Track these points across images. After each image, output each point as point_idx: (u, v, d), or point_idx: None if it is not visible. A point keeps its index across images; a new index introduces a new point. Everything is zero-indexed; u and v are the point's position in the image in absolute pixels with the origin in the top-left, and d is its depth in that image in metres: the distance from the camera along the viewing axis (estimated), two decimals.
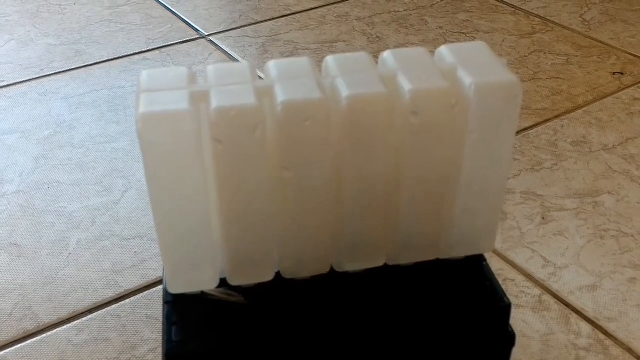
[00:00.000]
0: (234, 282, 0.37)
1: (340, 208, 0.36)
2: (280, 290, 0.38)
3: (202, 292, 0.37)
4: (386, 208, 0.36)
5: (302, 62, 0.35)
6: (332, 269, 0.39)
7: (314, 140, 0.33)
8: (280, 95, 0.32)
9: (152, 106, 0.31)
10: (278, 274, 0.39)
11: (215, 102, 0.32)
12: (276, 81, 0.34)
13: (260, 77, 0.35)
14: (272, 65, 0.35)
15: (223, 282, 0.38)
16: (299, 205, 0.35)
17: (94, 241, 0.62)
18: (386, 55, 0.36)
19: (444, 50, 0.36)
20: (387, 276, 0.39)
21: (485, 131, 0.34)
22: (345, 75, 0.34)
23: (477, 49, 0.36)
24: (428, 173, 0.35)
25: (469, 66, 0.34)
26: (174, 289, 0.37)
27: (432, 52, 0.39)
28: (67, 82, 0.86)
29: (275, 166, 0.34)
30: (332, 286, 0.39)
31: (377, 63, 0.37)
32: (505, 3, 1.05)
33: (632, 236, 0.62)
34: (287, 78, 0.34)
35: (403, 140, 0.34)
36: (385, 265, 0.40)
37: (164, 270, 0.37)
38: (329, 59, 0.36)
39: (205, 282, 0.37)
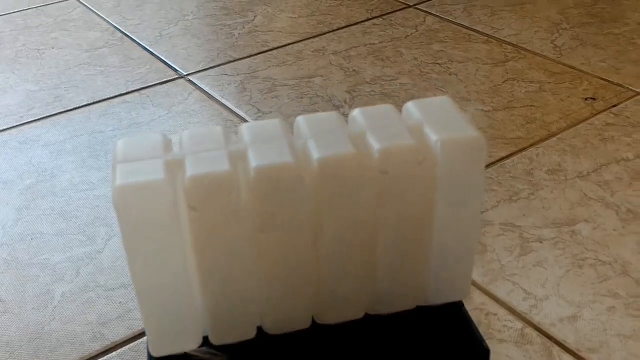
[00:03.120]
0: (216, 341, 0.38)
1: (318, 265, 0.37)
2: (263, 347, 0.39)
3: (185, 353, 0.38)
4: (363, 262, 0.37)
5: (274, 124, 0.36)
6: (313, 321, 0.40)
7: (287, 202, 0.34)
8: (253, 160, 0.33)
9: (128, 177, 0.32)
10: (260, 329, 0.39)
11: (189, 170, 0.33)
12: (249, 145, 0.35)
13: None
14: (244, 128, 0.36)
15: (206, 341, 0.39)
16: (277, 264, 0.35)
17: (78, 293, 0.62)
18: (355, 113, 0.37)
19: (410, 106, 0.37)
20: (368, 326, 0.40)
21: (453, 185, 0.35)
22: (316, 136, 0.35)
23: (442, 104, 0.37)
24: (401, 227, 0.36)
25: (434, 122, 0.35)
26: (157, 352, 0.37)
27: (400, 108, 0.40)
28: (47, 129, 0.87)
29: (251, 228, 0.34)
30: (314, 339, 0.40)
31: (346, 121, 0.38)
32: (478, 32, 1.07)
33: (610, 264, 0.63)
34: (260, 141, 0.35)
35: (375, 196, 0.35)
36: (366, 314, 0.40)
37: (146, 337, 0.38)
38: (300, 120, 0.37)
39: (187, 343, 0.37)
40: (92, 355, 0.56)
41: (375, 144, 0.34)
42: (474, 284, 0.61)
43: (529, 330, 0.56)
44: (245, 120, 0.86)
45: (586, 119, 0.84)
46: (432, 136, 0.35)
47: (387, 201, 0.35)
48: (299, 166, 0.34)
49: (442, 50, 1.02)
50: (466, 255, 0.38)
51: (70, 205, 0.73)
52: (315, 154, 0.34)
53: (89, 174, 0.78)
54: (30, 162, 0.81)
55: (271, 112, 0.89)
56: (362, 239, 0.37)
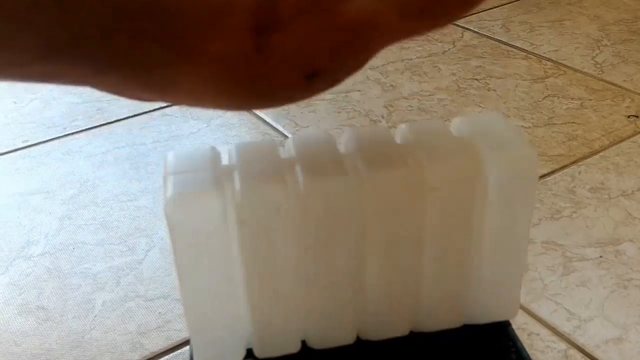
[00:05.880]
0: (260, 354, 0.38)
1: (363, 281, 0.36)
2: None
3: None
4: (409, 279, 0.37)
5: (322, 136, 0.36)
6: (358, 337, 0.40)
7: (336, 218, 0.34)
8: (302, 174, 0.33)
9: (179, 188, 0.32)
10: (305, 343, 0.39)
11: (239, 182, 0.33)
12: (297, 158, 0.35)
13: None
14: (291, 140, 0.36)
15: (250, 353, 0.39)
16: (324, 281, 0.35)
17: (119, 302, 0.63)
18: (403, 128, 0.37)
19: (459, 121, 0.37)
20: (414, 343, 0.40)
21: (504, 203, 0.35)
22: (365, 150, 0.35)
23: (492, 119, 0.37)
24: (449, 244, 0.36)
25: (486, 138, 0.35)
26: None
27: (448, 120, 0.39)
28: (89, 140, 0.88)
29: (300, 243, 0.34)
30: (358, 354, 0.39)
31: (394, 135, 0.37)
32: (517, 47, 1.06)
33: None
34: (308, 155, 0.35)
35: (424, 212, 0.35)
36: (412, 332, 0.40)
37: (190, 347, 0.38)
38: (349, 132, 0.37)
39: (231, 355, 0.37)
40: None
41: (426, 160, 0.34)
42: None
43: (573, 352, 0.55)
44: (284, 135, 0.86)
45: (630, 136, 0.82)
46: (484, 153, 0.34)
47: (435, 218, 0.35)
48: (350, 181, 0.34)
49: (481, 66, 1.01)
50: (514, 273, 0.38)
51: (111, 216, 0.74)
52: (365, 169, 0.34)
53: (130, 185, 0.79)
54: (73, 172, 0.82)
55: (309, 126, 0.89)
56: (408, 255, 0.36)
